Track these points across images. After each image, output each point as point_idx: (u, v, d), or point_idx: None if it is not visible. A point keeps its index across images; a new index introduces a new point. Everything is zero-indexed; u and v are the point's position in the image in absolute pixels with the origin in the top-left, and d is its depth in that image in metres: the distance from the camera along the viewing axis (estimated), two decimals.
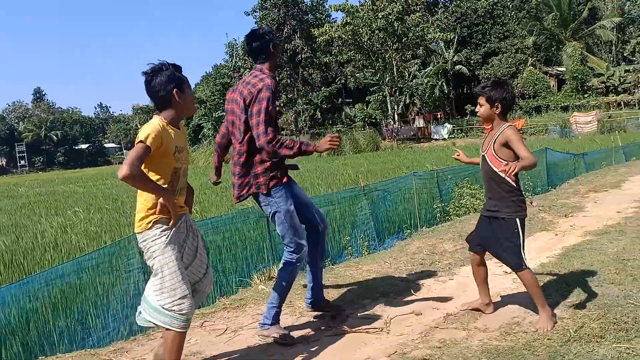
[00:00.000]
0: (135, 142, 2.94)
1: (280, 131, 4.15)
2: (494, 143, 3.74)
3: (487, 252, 3.99)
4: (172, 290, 3.01)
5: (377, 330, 3.98)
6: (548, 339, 3.48)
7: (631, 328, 3.49)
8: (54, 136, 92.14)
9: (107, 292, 4.99)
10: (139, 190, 3.05)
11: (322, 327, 4.13)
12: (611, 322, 3.61)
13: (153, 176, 3.01)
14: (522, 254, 3.74)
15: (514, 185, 3.76)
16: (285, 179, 3.95)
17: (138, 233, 3.08)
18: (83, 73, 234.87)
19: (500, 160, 3.69)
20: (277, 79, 50.37)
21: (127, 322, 4.67)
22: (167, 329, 3.05)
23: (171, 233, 3.06)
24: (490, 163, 3.77)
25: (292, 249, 3.91)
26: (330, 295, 4.90)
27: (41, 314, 4.59)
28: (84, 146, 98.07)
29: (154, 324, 3.12)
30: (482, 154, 3.86)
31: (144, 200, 3.06)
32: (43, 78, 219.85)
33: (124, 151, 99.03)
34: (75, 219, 12.48)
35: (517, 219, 3.74)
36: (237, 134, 3.90)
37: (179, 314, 3.02)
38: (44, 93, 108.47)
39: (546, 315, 3.71)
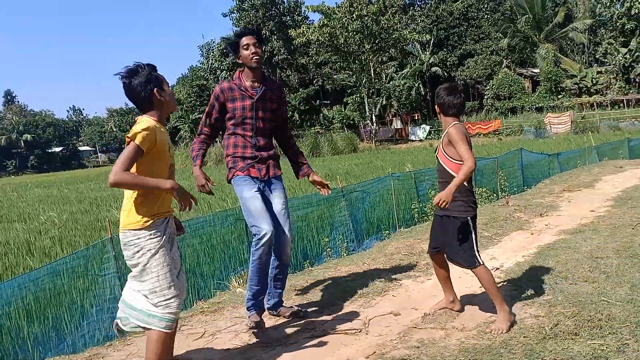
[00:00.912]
0: (126, 141, 2.92)
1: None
2: (442, 143, 3.87)
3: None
4: (164, 290, 3.01)
5: (355, 331, 3.99)
6: (524, 337, 3.52)
7: (605, 325, 3.55)
8: (26, 139, 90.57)
9: (82, 297, 4.92)
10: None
11: (301, 329, 4.12)
12: (585, 319, 3.66)
13: (154, 175, 2.99)
14: (476, 252, 3.81)
15: (465, 185, 3.81)
16: (244, 172, 4.10)
17: (129, 230, 3.00)
18: (55, 75, 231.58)
19: (450, 158, 3.80)
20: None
21: (102, 327, 4.61)
22: (151, 329, 3.02)
23: (165, 233, 3.06)
24: (442, 163, 3.87)
25: (254, 233, 3.96)
26: (309, 297, 4.90)
27: (14, 320, 4.51)
28: (57, 149, 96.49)
29: (141, 327, 3.08)
30: (435, 154, 3.99)
31: (138, 197, 3.01)
32: (12, 80, 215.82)
33: (99, 154, 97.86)
34: (49, 223, 12.29)
35: (469, 218, 3.82)
36: None
37: (168, 314, 3.01)
38: (14, 95, 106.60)
39: (503, 315, 3.73)
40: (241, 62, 4.10)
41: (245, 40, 4.06)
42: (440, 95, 3.92)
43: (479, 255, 3.84)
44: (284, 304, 4.39)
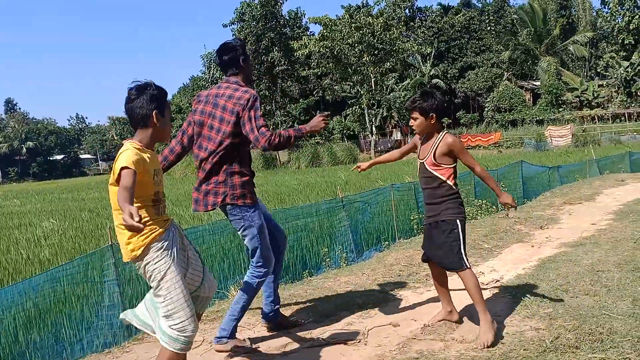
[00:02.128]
0: (115, 174, 2.76)
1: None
2: (434, 151, 3.82)
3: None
4: (178, 312, 2.90)
5: (354, 341, 3.97)
6: (524, 350, 3.50)
7: (606, 339, 3.53)
8: (28, 147, 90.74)
9: (82, 304, 4.91)
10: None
11: (300, 339, 4.10)
12: (586, 332, 3.65)
13: (137, 202, 2.85)
14: (464, 255, 3.79)
15: (454, 188, 3.84)
16: (255, 200, 3.97)
17: (134, 259, 2.92)
18: (58, 83, 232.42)
19: (442, 166, 3.81)
20: (255, 90, 50.34)
21: (101, 334, 4.59)
22: (166, 348, 2.94)
23: (170, 252, 2.95)
24: (429, 168, 3.84)
25: (261, 264, 3.91)
26: (308, 307, 4.88)
27: (13, 327, 4.49)
28: (58, 157, 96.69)
29: (157, 337, 3.01)
30: (422, 161, 3.92)
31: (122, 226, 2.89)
32: (14, 88, 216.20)
33: (100, 162, 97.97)
34: (49, 230, 12.29)
35: (457, 220, 3.81)
36: (208, 145, 3.87)
37: (183, 336, 2.91)
38: (15, 103, 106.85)
39: (486, 326, 3.70)
40: (246, 74, 4.02)
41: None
42: (438, 98, 3.84)
43: (467, 258, 3.82)
44: (280, 313, 4.36)
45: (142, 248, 2.89)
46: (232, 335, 3.91)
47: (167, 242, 2.96)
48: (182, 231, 3.23)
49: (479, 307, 3.75)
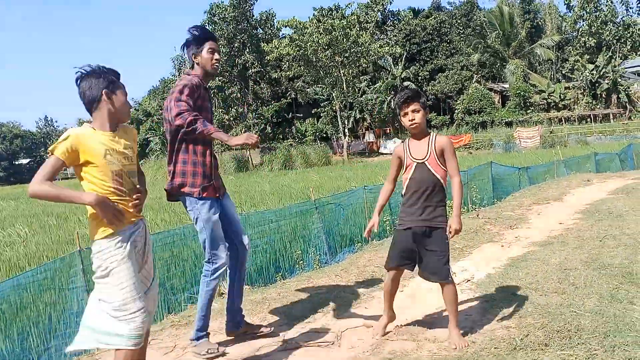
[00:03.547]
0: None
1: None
2: (434, 149, 3.67)
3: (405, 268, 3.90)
4: (128, 304, 2.87)
5: (328, 343, 3.97)
6: (495, 348, 3.54)
7: (574, 335, 3.59)
8: None
9: (49, 311, 4.81)
10: None
11: (273, 343, 4.08)
12: (555, 330, 3.71)
13: (94, 186, 2.89)
14: (449, 266, 3.75)
15: (442, 194, 3.74)
16: (216, 194, 3.93)
17: (94, 241, 2.92)
18: (25, 85, 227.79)
19: (442, 166, 3.67)
20: (227, 92, 50.16)
21: (69, 341, 4.49)
22: (118, 349, 2.89)
23: (130, 243, 2.95)
24: (433, 170, 3.66)
25: (208, 259, 3.88)
26: (282, 310, 4.87)
27: None
28: (24, 161, 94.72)
29: (105, 345, 2.95)
30: (421, 160, 3.70)
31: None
32: None
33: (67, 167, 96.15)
34: (14, 235, 12.01)
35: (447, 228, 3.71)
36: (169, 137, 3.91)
37: (134, 329, 2.86)
38: None
39: (457, 334, 3.72)
40: (197, 62, 3.93)
41: (211, 45, 3.94)
42: (424, 96, 3.76)
43: (451, 269, 3.82)
44: (245, 319, 4.30)
45: (101, 234, 2.90)
46: (201, 335, 3.91)
47: (129, 235, 2.97)
48: (148, 235, 3.18)
49: (452, 321, 3.75)
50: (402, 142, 3.87)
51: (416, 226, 3.72)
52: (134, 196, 3.05)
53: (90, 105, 2.98)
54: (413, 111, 3.67)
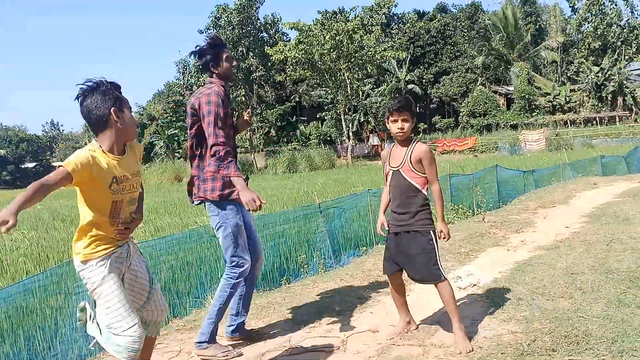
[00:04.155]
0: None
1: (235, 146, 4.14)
2: (410, 158, 3.75)
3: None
4: (119, 321, 2.81)
5: (333, 348, 3.95)
6: (502, 354, 3.52)
7: (582, 341, 3.57)
8: None
9: (56, 315, 4.80)
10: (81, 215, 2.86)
11: (279, 347, 4.07)
12: (562, 335, 3.68)
13: (89, 209, 2.80)
14: (440, 265, 3.76)
15: (427, 198, 3.80)
16: (238, 198, 3.87)
17: (74, 259, 2.87)
18: (32, 89, 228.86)
19: (417, 174, 3.73)
20: (232, 96, 50.29)
21: (75, 346, 4.50)
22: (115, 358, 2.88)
23: (109, 261, 2.86)
24: (407, 177, 3.76)
25: (235, 263, 3.87)
26: (286, 314, 4.85)
27: None
28: (30, 165, 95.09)
29: (108, 349, 2.93)
30: (396, 168, 3.81)
31: (79, 231, 2.86)
32: None
33: None
34: (21, 239, 12.03)
35: (431, 231, 3.76)
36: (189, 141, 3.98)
37: (130, 344, 2.81)
38: None
39: (461, 335, 3.71)
40: (217, 72, 3.96)
41: (227, 54, 3.99)
42: (414, 105, 3.84)
43: (443, 269, 3.81)
44: (245, 326, 4.29)
45: (83, 256, 2.84)
46: (211, 339, 3.88)
47: (106, 261, 2.87)
48: (136, 250, 3.14)
49: (454, 319, 3.75)
50: (389, 146, 3.93)
51: (400, 231, 3.84)
52: (123, 226, 2.94)
53: (98, 125, 2.81)
54: (403, 120, 3.77)
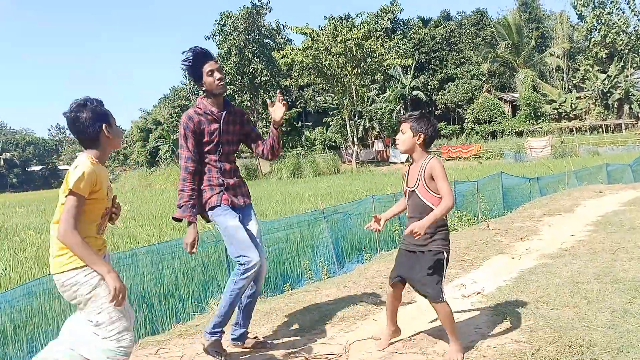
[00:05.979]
0: (65, 192, 2.75)
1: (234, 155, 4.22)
2: (423, 177, 3.66)
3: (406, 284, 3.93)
4: (114, 323, 2.82)
5: (336, 355, 3.93)
6: None
7: (586, 351, 3.54)
8: (5, 158, 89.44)
9: (59, 319, 4.80)
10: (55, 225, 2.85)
11: (281, 354, 4.05)
12: (567, 345, 3.65)
13: (86, 220, 2.83)
14: (442, 287, 3.69)
15: (445, 219, 3.71)
16: (226, 202, 4.00)
17: (63, 273, 2.81)
18: (37, 92, 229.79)
19: (432, 193, 3.63)
20: (237, 101, 50.41)
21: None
22: None
23: (96, 273, 2.83)
24: (423, 198, 3.66)
25: (238, 262, 3.86)
26: (289, 320, 4.83)
27: None
28: (37, 168, 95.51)
29: None
30: (412, 189, 3.73)
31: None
32: None
33: None
34: (27, 242, 12.08)
35: (444, 252, 3.68)
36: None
37: (122, 347, 2.82)
38: None
39: (456, 347, 3.68)
40: (205, 88, 3.93)
41: (208, 67, 3.89)
42: (433, 123, 3.76)
43: (444, 291, 3.73)
44: (248, 335, 4.25)
45: (75, 263, 2.81)
46: (214, 333, 3.89)
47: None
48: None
49: (452, 337, 3.70)
50: (410, 163, 3.89)
51: (413, 250, 3.77)
52: (114, 209, 3.09)
53: (90, 141, 2.93)
54: (401, 131, 3.79)
